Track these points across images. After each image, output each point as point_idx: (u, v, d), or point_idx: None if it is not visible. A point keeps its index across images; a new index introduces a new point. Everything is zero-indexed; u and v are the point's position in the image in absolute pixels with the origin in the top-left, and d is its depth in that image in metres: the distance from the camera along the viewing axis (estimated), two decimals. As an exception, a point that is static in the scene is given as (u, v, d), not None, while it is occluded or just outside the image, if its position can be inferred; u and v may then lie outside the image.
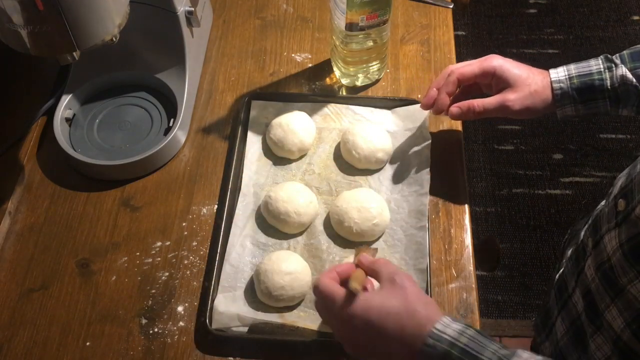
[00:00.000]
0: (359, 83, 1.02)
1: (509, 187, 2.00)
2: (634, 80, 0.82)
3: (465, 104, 0.87)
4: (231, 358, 0.79)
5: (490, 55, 0.88)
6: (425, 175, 0.90)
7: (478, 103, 0.86)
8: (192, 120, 1.00)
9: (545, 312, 0.93)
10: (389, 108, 0.98)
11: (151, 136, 0.97)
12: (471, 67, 0.88)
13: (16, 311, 0.83)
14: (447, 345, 0.61)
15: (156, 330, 0.81)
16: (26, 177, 0.95)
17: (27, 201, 0.92)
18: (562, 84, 0.85)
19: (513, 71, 0.86)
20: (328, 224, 0.88)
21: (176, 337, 0.81)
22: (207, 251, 0.87)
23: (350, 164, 0.93)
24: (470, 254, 0.86)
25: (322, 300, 0.69)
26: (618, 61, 0.84)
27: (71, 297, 0.84)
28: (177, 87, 0.98)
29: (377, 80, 1.03)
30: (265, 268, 0.81)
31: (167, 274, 0.86)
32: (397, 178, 0.92)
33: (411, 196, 0.89)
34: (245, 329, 0.79)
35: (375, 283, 0.70)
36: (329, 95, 1.01)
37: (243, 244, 0.86)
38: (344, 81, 1.03)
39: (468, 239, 0.87)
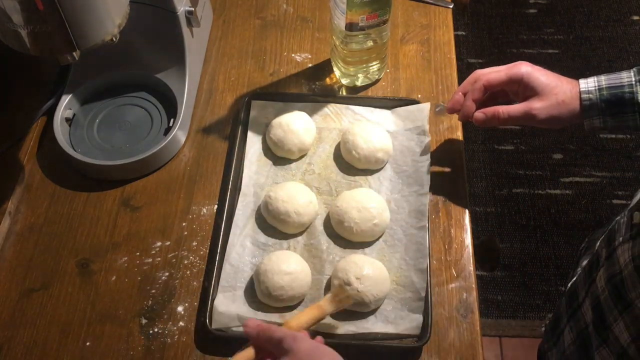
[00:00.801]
0: (359, 83, 1.02)
1: (509, 187, 2.00)
2: None
3: (490, 110, 0.86)
4: (231, 358, 0.79)
5: (519, 62, 0.86)
6: (425, 175, 0.90)
7: (503, 110, 0.85)
8: (192, 120, 1.00)
9: (555, 319, 0.92)
10: (389, 108, 0.98)
11: (151, 136, 0.97)
12: (498, 74, 0.86)
13: (16, 311, 0.83)
14: None
15: (156, 330, 0.81)
16: (26, 177, 0.95)
17: (27, 201, 0.93)
18: (591, 95, 0.82)
19: (541, 79, 0.84)
20: (328, 224, 0.88)
21: (176, 337, 0.81)
22: (207, 251, 0.87)
23: (350, 164, 0.93)
24: (470, 254, 0.86)
25: None
26: None
27: (71, 297, 0.84)
28: (177, 87, 0.98)
29: (377, 80, 1.03)
30: (265, 268, 0.81)
31: (167, 274, 0.86)
32: (397, 178, 0.92)
33: (411, 196, 0.89)
34: (245, 329, 0.79)
35: None
36: (329, 95, 1.02)
37: (243, 244, 0.86)
38: (344, 81, 1.03)
39: (468, 239, 0.87)
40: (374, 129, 0.93)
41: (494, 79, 0.86)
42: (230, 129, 0.99)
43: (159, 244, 0.88)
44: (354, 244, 0.86)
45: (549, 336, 0.94)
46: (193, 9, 0.95)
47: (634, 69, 0.83)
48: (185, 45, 0.97)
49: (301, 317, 0.73)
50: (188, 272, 0.86)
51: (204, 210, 0.91)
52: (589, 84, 0.83)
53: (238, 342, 0.79)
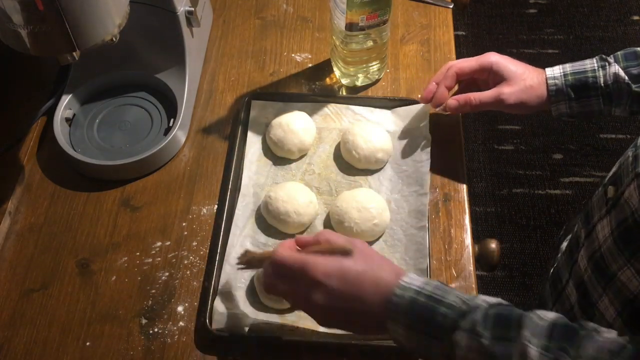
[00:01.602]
0: (359, 83, 1.02)
1: (509, 187, 2.00)
2: (626, 78, 0.84)
3: (462, 96, 0.90)
4: (231, 358, 0.79)
5: (488, 52, 0.91)
6: (425, 175, 0.90)
7: (474, 96, 0.89)
8: (192, 120, 1.00)
9: (539, 305, 0.93)
10: (389, 108, 0.98)
11: (151, 136, 0.97)
12: (469, 62, 0.91)
13: (16, 311, 0.83)
14: (413, 294, 0.63)
15: (156, 330, 0.81)
16: (26, 177, 0.95)
17: (27, 201, 0.92)
18: (556, 81, 0.87)
19: (509, 67, 0.88)
20: (328, 224, 0.88)
21: (176, 337, 0.81)
22: (207, 251, 0.87)
23: (350, 164, 0.93)
24: (470, 254, 0.86)
25: (284, 270, 0.67)
26: (612, 60, 0.86)
27: (71, 297, 0.84)
28: (177, 87, 0.98)
29: (377, 80, 1.03)
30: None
31: (167, 274, 0.86)
32: (397, 178, 0.92)
33: (411, 196, 0.89)
34: (245, 329, 0.79)
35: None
36: (329, 95, 1.01)
37: (243, 244, 0.86)
38: (344, 81, 1.03)
39: (468, 239, 0.87)
40: (374, 129, 0.93)
41: (465, 67, 0.91)
42: (230, 129, 0.99)
43: (159, 244, 0.88)
44: (354, 244, 0.86)
45: None
46: (193, 9, 0.95)
47: (597, 57, 0.88)
48: (185, 45, 0.97)
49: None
50: (188, 272, 0.86)
51: (204, 210, 0.91)
52: (554, 71, 0.88)
53: (238, 342, 0.80)
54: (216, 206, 0.91)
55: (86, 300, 0.84)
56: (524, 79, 0.87)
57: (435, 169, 0.92)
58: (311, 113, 0.97)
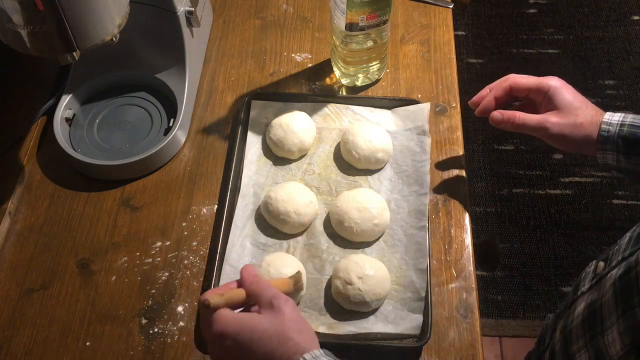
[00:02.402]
0: (359, 83, 1.02)
1: (509, 187, 2.00)
2: None
3: (508, 112, 0.85)
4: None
5: (552, 76, 0.85)
6: (425, 175, 0.90)
7: (520, 115, 0.84)
8: (192, 120, 1.00)
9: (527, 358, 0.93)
10: (389, 108, 0.98)
11: (151, 136, 0.97)
12: (527, 79, 0.85)
13: (16, 311, 0.83)
14: None
15: (156, 330, 0.81)
16: (26, 177, 0.95)
17: (27, 201, 0.92)
18: (611, 127, 0.79)
19: (566, 96, 0.82)
20: (328, 224, 0.88)
21: (176, 337, 0.81)
22: (207, 251, 0.87)
23: (350, 164, 0.93)
24: (470, 254, 0.86)
25: (202, 315, 0.68)
26: None
27: (71, 297, 0.84)
28: (177, 87, 0.98)
29: (377, 80, 1.03)
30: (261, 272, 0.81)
31: (167, 274, 0.86)
32: (397, 178, 0.92)
33: (411, 196, 0.89)
34: (245, 329, 0.79)
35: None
36: (329, 95, 1.01)
37: (243, 244, 0.86)
38: (344, 81, 1.03)
39: (468, 239, 0.87)
40: (374, 129, 0.93)
41: (522, 82, 0.85)
42: (230, 129, 0.99)
43: (159, 244, 0.88)
44: (354, 244, 0.86)
45: None
46: (193, 9, 0.95)
47: None
48: (185, 45, 0.97)
49: (281, 287, 0.72)
50: (188, 272, 0.86)
51: (204, 210, 0.91)
52: (613, 117, 0.80)
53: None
54: (216, 206, 0.91)
55: (86, 300, 0.84)
56: (576, 115, 0.81)
57: (435, 169, 0.93)
58: (311, 113, 0.97)
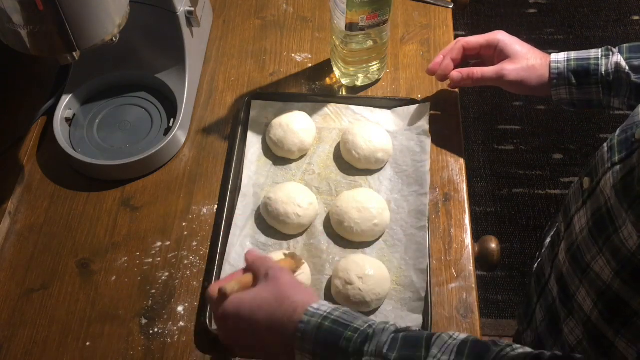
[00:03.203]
0: (359, 83, 1.02)
1: (509, 187, 2.00)
2: (627, 68, 0.85)
3: (465, 70, 0.92)
4: (231, 358, 0.79)
5: (497, 30, 0.93)
6: (425, 175, 0.90)
7: (477, 70, 0.92)
8: (192, 120, 1.00)
9: (526, 302, 0.95)
10: (389, 108, 0.98)
11: (151, 136, 0.97)
12: (477, 38, 0.93)
13: (16, 311, 0.83)
14: (320, 319, 0.62)
15: (156, 330, 0.81)
16: (26, 177, 0.95)
17: (27, 201, 0.92)
18: (559, 65, 0.89)
19: (515, 46, 0.91)
20: (328, 224, 0.88)
21: (176, 337, 0.81)
22: (207, 251, 0.87)
23: (350, 164, 0.93)
24: (470, 254, 0.86)
25: (211, 307, 0.70)
26: (616, 51, 0.87)
27: (71, 297, 0.84)
28: (177, 87, 0.98)
29: (377, 80, 1.03)
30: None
31: (167, 274, 0.86)
32: (397, 178, 0.92)
33: (411, 196, 0.89)
34: (245, 329, 0.79)
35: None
36: (329, 95, 1.01)
37: (243, 244, 0.86)
38: (344, 81, 1.03)
39: (468, 239, 0.87)
40: (374, 129, 0.93)
41: (472, 41, 0.93)
42: (230, 129, 0.99)
43: (159, 244, 0.88)
44: (354, 244, 0.86)
45: (522, 319, 0.96)
46: (193, 9, 0.95)
47: (603, 47, 0.89)
48: (185, 45, 0.97)
49: (243, 279, 0.71)
50: (188, 272, 0.86)
51: (204, 210, 0.91)
52: (559, 56, 0.90)
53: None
54: (216, 206, 0.91)
55: (86, 300, 0.84)
56: (527, 59, 0.89)
57: (435, 169, 0.93)
58: (311, 113, 0.97)
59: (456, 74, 0.92)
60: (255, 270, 0.69)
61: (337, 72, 1.03)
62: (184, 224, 0.90)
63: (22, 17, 0.71)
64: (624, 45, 0.88)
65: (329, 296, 0.82)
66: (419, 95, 1.01)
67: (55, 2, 0.71)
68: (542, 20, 2.38)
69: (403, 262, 0.84)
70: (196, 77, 1.03)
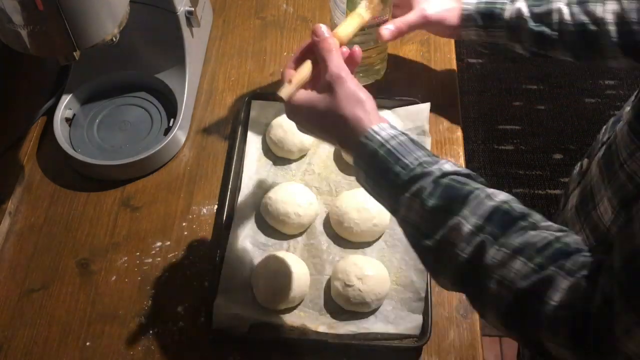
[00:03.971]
0: (359, 83, 1.02)
1: (509, 187, 2.00)
2: (528, 14, 0.88)
3: (393, 28, 0.91)
4: (231, 358, 0.79)
5: None
6: (425, 175, 0.89)
7: (400, 20, 0.92)
8: (192, 120, 1.00)
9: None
10: (389, 108, 0.98)
11: (151, 136, 0.97)
12: None
13: (16, 311, 0.83)
14: (377, 145, 0.64)
15: (156, 330, 0.81)
16: (26, 177, 0.95)
17: (27, 201, 0.92)
18: (470, 6, 0.92)
19: None
20: (328, 225, 0.88)
21: (176, 337, 0.81)
22: (207, 251, 0.87)
23: (350, 164, 0.93)
24: (470, 254, 0.86)
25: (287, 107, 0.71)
26: None
27: (71, 297, 0.84)
28: (177, 87, 0.98)
29: (377, 81, 1.03)
30: (260, 272, 0.81)
31: (167, 274, 0.86)
32: (397, 178, 0.91)
33: (411, 196, 0.89)
34: (246, 329, 0.79)
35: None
36: (329, 95, 1.01)
37: (243, 244, 0.86)
38: (344, 81, 1.02)
39: (468, 239, 0.87)
40: (374, 129, 0.92)
41: None
42: (230, 129, 0.99)
43: (159, 244, 0.88)
44: (354, 244, 0.86)
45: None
46: (193, 9, 0.95)
47: None
48: (185, 45, 0.97)
49: (347, 29, 0.72)
50: (188, 272, 0.86)
51: (204, 210, 0.91)
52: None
53: (238, 342, 0.80)
54: (216, 206, 0.91)
55: (86, 300, 0.84)
56: (444, 1, 0.92)
57: (435, 169, 0.92)
58: (311, 113, 0.97)
59: (384, 32, 0.91)
60: (324, 61, 0.68)
61: (337, 72, 1.03)
62: (184, 224, 0.90)
63: (22, 17, 0.71)
64: None
65: (329, 296, 0.82)
66: (419, 95, 1.01)
67: (55, 2, 0.71)
68: None
69: (403, 262, 0.84)
70: (196, 77, 1.03)
